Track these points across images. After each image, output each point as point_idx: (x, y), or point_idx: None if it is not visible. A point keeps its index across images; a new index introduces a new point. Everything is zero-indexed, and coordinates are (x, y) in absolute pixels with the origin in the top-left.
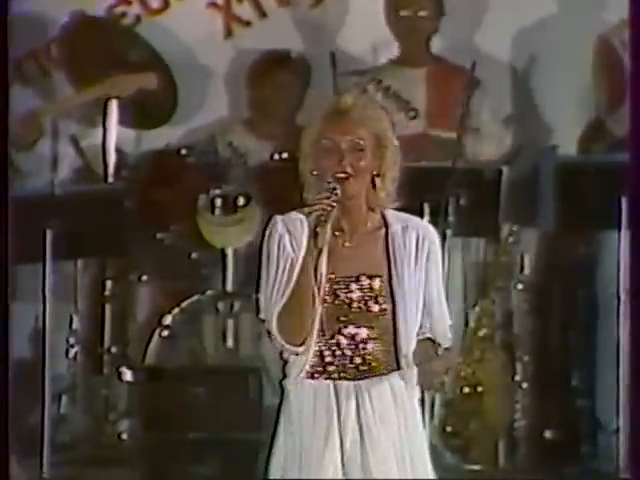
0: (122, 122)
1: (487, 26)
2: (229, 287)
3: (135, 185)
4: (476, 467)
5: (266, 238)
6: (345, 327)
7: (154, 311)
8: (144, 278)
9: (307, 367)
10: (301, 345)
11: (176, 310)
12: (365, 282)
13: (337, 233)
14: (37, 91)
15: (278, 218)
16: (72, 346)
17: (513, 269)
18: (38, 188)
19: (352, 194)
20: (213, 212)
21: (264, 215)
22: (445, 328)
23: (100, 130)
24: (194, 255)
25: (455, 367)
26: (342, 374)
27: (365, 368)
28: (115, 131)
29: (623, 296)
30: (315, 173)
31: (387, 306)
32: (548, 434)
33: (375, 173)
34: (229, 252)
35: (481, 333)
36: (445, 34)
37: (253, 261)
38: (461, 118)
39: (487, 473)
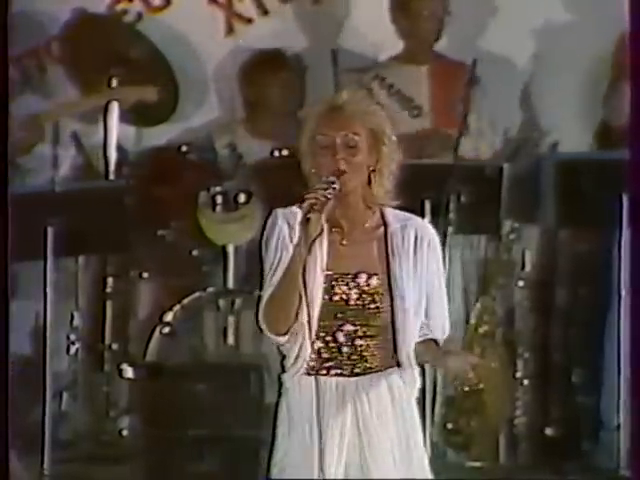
0: (123, 119)
1: (493, 26)
2: (230, 284)
3: (136, 182)
4: (477, 464)
5: (266, 231)
6: (342, 325)
7: (155, 308)
8: (145, 275)
9: (305, 364)
10: (284, 335)
11: (177, 307)
12: (363, 280)
13: (335, 229)
14: (38, 89)
15: (278, 211)
16: (73, 343)
17: (514, 266)
18: (39, 185)
19: (348, 190)
20: (214, 209)
21: (265, 212)
22: (442, 324)
23: (101, 127)
24: (195, 252)
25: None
26: (340, 371)
27: (362, 365)
28: (116, 128)
29: (624, 293)
30: (313, 171)
31: (384, 304)
32: (549, 431)
33: (371, 169)
34: (230, 249)
35: (482, 330)
36: (450, 33)
37: (254, 258)
38: (463, 116)
39: (488, 470)
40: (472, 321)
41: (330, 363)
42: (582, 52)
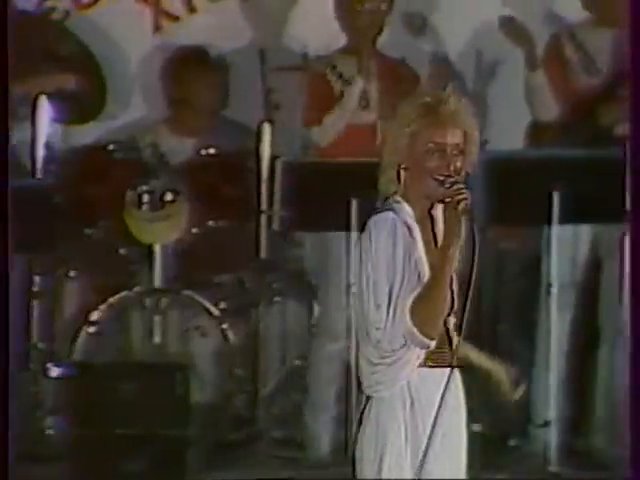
0: (51, 117)
1: (435, 23)
2: (156, 283)
3: (63, 180)
4: None
5: (384, 237)
6: (449, 316)
7: (82, 307)
8: (72, 274)
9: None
10: (434, 339)
11: (103, 306)
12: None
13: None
14: None
15: (395, 217)
16: None
17: None
18: None
19: None
20: (140, 208)
21: (191, 211)
22: None
23: (29, 125)
24: (122, 251)
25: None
26: (439, 362)
27: (456, 356)
28: (44, 126)
29: (554, 289)
30: (404, 167)
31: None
32: (476, 427)
33: None
34: (157, 248)
35: None
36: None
37: (181, 257)
38: None
39: None
40: None
41: (435, 354)
42: (505, 49)
